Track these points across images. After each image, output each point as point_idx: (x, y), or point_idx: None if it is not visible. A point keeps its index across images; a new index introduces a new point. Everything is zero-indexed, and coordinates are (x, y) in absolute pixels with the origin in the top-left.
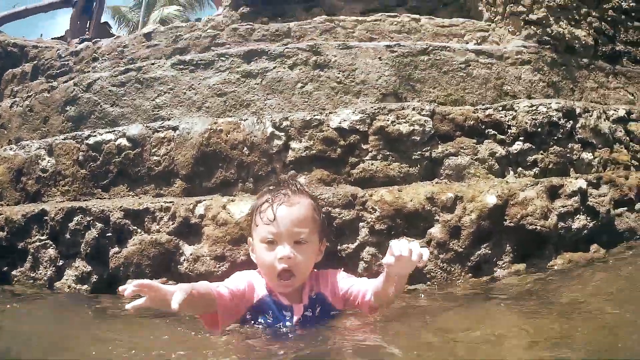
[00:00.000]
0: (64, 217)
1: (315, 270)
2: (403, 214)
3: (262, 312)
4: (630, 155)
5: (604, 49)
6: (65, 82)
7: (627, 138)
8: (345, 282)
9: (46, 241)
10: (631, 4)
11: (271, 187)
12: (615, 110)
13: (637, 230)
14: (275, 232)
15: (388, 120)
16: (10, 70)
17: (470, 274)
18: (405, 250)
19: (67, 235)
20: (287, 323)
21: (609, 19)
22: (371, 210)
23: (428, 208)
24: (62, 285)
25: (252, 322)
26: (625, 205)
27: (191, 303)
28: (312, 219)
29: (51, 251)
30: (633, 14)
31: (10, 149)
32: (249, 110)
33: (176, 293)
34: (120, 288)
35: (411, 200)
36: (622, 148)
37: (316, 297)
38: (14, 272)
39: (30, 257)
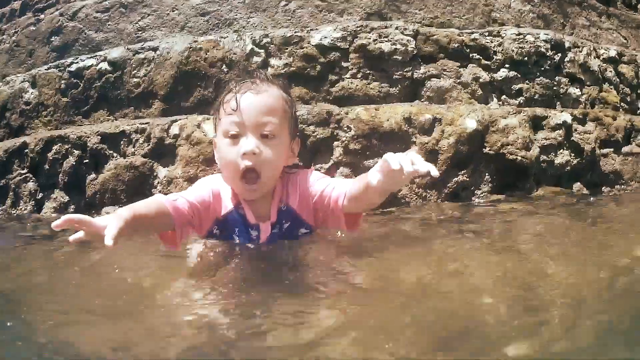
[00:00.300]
0: (44, 147)
1: (286, 173)
2: (379, 133)
3: (228, 229)
4: (619, 97)
5: None
6: (52, 13)
7: (617, 79)
8: (318, 184)
9: (26, 174)
10: None
11: (238, 78)
12: (606, 50)
13: (622, 173)
14: (239, 122)
15: (370, 39)
16: None
17: (446, 201)
18: (408, 164)
19: (46, 166)
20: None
21: None
22: (346, 128)
23: (405, 129)
24: (40, 218)
25: (220, 237)
26: (611, 146)
27: (137, 229)
28: (281, 110)
29: (31, 184)
30: None
31: None
32: (231, 29)
33: (108, 227)
34: (53, 224)
35: (388, 120)
36: (611, 88)
37: (285, 210)
38: None
39: (11, 193)
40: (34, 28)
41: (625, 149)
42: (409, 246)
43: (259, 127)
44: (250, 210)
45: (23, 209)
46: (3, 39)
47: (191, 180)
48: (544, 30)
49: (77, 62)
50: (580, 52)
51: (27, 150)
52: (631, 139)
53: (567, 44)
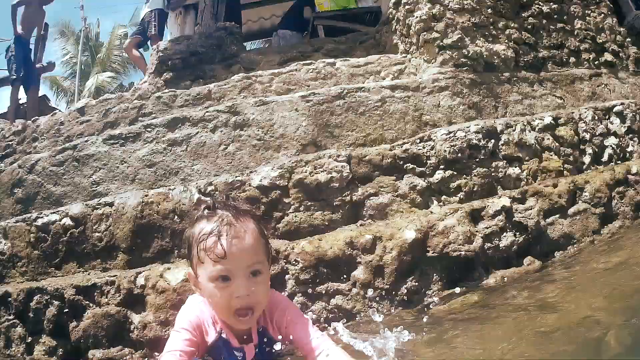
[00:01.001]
0: (25, 297)
1: None
2: (325, 261)
3: (216, 354)
4: (562, 160)
5: (526, 59)
6: (11, 163)
7: (557, 144)
8: (302, 332)
9: (13, 320)
10: (553, 6)
11: (205, 214)
12: (540, 119)
13: (573, 234)
14: (229, 268)
15: (306, 172)
16: None
17: (400, 307)
18: None
19: (31, 314)
20: None
21: (529, 26)
22: (294, 262)
23: (349, 252)
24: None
25: None
26: (557, 213)
27: None
28: (262, 245)
29: (19, 329)
30: (555, 16)
31: None
32: (178, 177)
33: None
34: None
35: (331, 248)
36: (552, 155)
37: (262, 331)
38: None
39: (2, 336)
40: None
41: (571, 210)
42: None
43: (248, 268)
44: (232, 335)
45: (16, 351)
46: None
47: (163, 324)
48: (475, 121)
49: (42, 217)
50: (514, 130)
51: (10, 299)
52: (577, 199)
53: (499, 128)
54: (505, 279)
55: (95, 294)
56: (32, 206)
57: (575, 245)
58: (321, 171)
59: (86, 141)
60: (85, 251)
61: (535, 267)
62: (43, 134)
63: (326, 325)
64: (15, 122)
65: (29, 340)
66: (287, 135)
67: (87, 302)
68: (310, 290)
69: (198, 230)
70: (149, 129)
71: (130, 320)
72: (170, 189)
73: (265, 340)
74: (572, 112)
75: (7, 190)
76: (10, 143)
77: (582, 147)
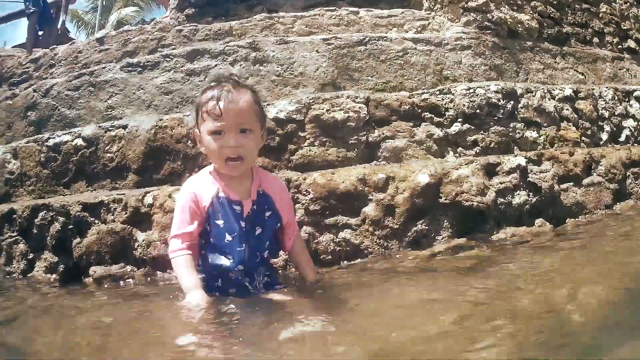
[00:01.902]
0: (30, 213)
1: (261, 168)
2: (336, 195)
3: (215, 216)
4: (580, 133)
5: (550, 32)
6: (26, 88)
7: (576, 116)
8: (288, 214)
9: (16, 237)
10: None
11: (212, 84)
12: (561, 90)
13: (585, 204)
14: (223, 125)
15: (323, 109)
16: None
17: (408, 249)
18: None
19: (35, 230)
20: (240, 223)
21: (555, 2)
22: (305, 192)
23: (361, 188)
24: (33, 276)
25: (209, 229)
26: (571, 181)
27: None
28: (254, 110)
29: (22, 246)
30: None
31: None
32: (193, 106)
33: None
34: None
35: (343, 182)
36: (570, 125)
37: (262, 194)
38: None
39: (3, 252)
40: (10, 102)
41: (585, 180)
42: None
43: (238, 125)
44: (230, 191)
45: (16, 267)
46: None
47: (167, 243)
48: (495, 81)
49: (54, 138)
50: (534, 96)
51: (15, 216)
52: (592, 171)
53: (519, 91)
54: (516, 237)
55: (102, 211)
56: (45, 128)
57: (587, 216)
58: (338, 110)
59: (104, 68)
60: (95, 171)
61: (546, 230)
62: (60, 61)
63: (331, 257)
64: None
65: (31, 257)
66: (306, 74)
67: (93, 219)
68: (319, 221)
69: (204, 96)
70: (168, 59)
71: (134, 238)
72: (185, 115)
73: (264, 204)
74: (593, 89)
75: (20, 113)
76: (27, 70)
77: (600, 123)
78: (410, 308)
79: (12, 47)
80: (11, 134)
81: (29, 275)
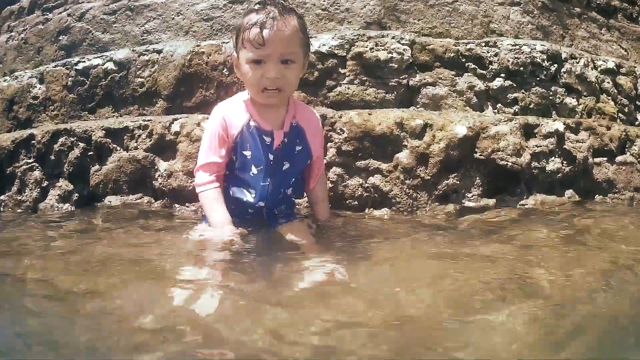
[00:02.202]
0: (50, 139)
1: (297, 99)
2: (371, 136)
3: (243, 145)
4: (617, 108)
5: (598, 2)
6: (60, 13)
7: (615, 90)
8: (318, 151)
9: (33, 164)
10: None
11: (257, 7)
12: (604, 61)
13: (616, 182)
14: (264, 54)
15: (367, 47)
16: (7, 7)
17: (437, 203)
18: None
19: (52, 157)
20: (268, 156)
21: None
22: (340, 131)
23: (397, 133)
24: (45, 206)
25: (235, 159)
26: (605, 156)
27: None
28: (299, 39)
29: (37, 173)
30: None
31: (4, 80)
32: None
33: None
34: None
35: (380, 124)
36: (609, 99)
37: (296, 127)
38: (1, 197)
39: (17, 180)
40: (42, 27)
41: (619, 158)
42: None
43: (281, 56)
44: (262, 120)
45: (28, 195)
46: (12, 36)
47: (190, 174)
48: (541, 41)
49: (84, 61)
50: (578, 63)
51: (34, 142)
52: (626, 149)
53: (564, 55)
54: (545, 204)
55: (125, 137)
56: (76, 53)
57: (616, 194)
58: (382, 49)
59: None
60: (124, 96)
61: (574, 202)
62: None
63: (357, 203)
64: None
65: (45, 185)
66: (352, 10)
67: (115, 145)
68: (350, 163)
69: (246, 20)
70: None
71: (156, 167)
72: (224, 42)
73: (294, 135)
74: (635, 67)
75: (51, 37)
76: None
77: (637, 102)
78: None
79: None
80: (40, 59)
81: (40, 204)
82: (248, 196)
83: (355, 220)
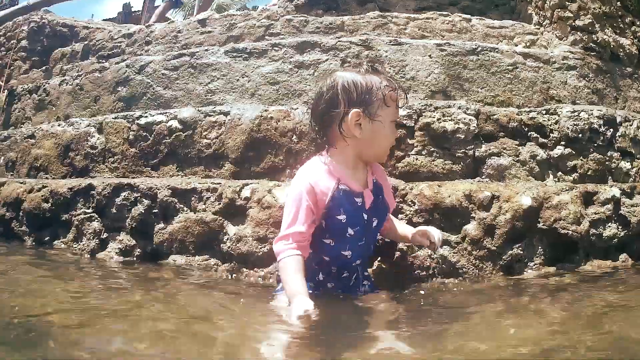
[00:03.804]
0: (112, 192)
1: None
2: (441, 208)
3: (336, 210)
4: None
5: None
6: (117, 63)
7: None
8: (393, 202)
9: (92, 214)
10: None
11: (369, 69)
12: None
13: None
14: (398, 115)
15: (434, 117)
16: (59, 49)
17: (501, 273)
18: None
19: (113, 210)
20: (363, 216)
21: None
22: (410, 203)
23: (465, 205)
24: (104, 256)
25: (327, 225)
26: None
27: None
28: None
29: (96, 224)
30: None
31: (59, 125)
32: (300, 99)
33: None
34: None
35: (449, 196)
36: None
37: (376, 183)
38: (55, 242)
39: (74, 228)
40: (99, 74)
41: None
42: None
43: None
44: (351, 182)
45: (86, 245)
46: (65, 80)
47: (260, 240)
48: (597, 106)
49: (146, 117)
50: (631, 125)
51: (93, 192)
52: None
53: (618, 119)
54: (601, 269)
55: (193, 198)
56: (136, 106)
57: None
58: (449, 120)
59: (206, 50)
60: (189, 156)
61: (627, 265)
62: (157, 39)
63: (425, 273)
64: (126, 25)
65: (104, 237)
66: (417, 79)
67: (182, 205)
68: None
69: (379, 79)
70: (276, 48)
71: (225, 231)
72: (292, 108)
73: (378, 192)
74: None
75: (109, 87)
76: (119, 44)
77: None
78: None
79: (102, 20)
80: (97, 108)
81: (98, 255)
82: (347, 254)
83: (428, 290)
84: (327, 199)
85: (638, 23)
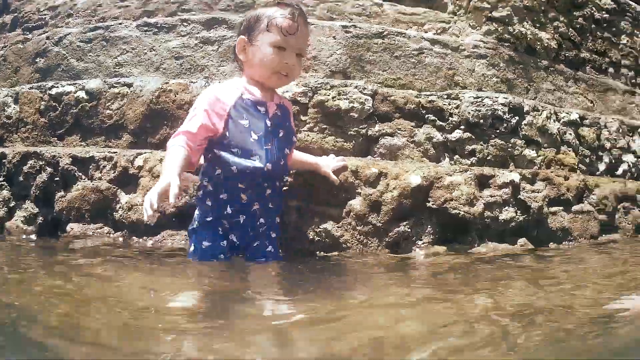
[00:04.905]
0: (20, 160)
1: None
2: (327, 184)
3: (239, 116)
4: (578, 159)
5: (567, 54)
6: (39, 35)
7: (577, 142)
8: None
9: (2, 183)
10: (604, 15)
11: (277, 3)
12: (567, 113)
13: (571, 231)
14: (288, 43)
15: (329, 96)
16: None
17: (387, 250)
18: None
19: (21, 178)
20: (266, 122)
21: (578, 26)
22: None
23: (351, 180)
24: (11, 225)
25: (230, 131)
26: (561, 205)
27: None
28: (309, 39)
29: (5, 192)
30: (604, 25)
31: None
32: (202, 74)
33: (172, 190)
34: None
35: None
36: (569, 151)
37: (283, 106)
38: None
39: None
40: (21, 46)
41: (575, 207)
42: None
43: (298, 49)
44: (256, 93)
45: None
46: None
47: None
48: (504, 94)
49: (57, 87)
50: (540, 115)
51: (4, 161)
52: (584, 199)
53: (526, 108)
54: (496, 252)
55: (91, 167)
56: (51, 77)
57: (571, 242)
58: (344, 99)
59: (120, 24)
60: (92, 126)
61: (526, 250)
62: (79, 12)
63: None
64: None
65: (12, 205)
66: (319, 58)
67: (80, 174)
68: (305, 208)
69: (271, 10)
70: (185, 24)
71: (118, 199)
72: (192, 82)
73: (283, 114)
74: (599, 118)
75: (29, 59)
76: (44, 17)
77: (599, 153)
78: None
79: None
80: (16, 79)
81: (6, 223)
82: (255, 162)
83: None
84: (231, 105)
85: (562, 19)
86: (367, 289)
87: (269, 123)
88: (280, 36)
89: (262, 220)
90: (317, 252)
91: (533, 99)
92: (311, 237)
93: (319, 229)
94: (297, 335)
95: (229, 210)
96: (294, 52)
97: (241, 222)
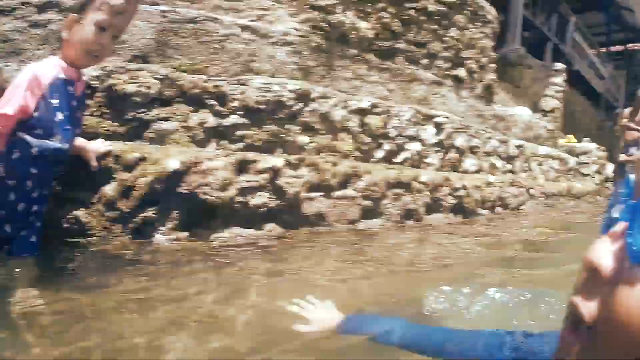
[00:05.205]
0: None
1: None
2: (85, 169)
3: (51, 95)
4: (355, 146)
5: (381, 45)
6: None
7: (360, 129)
8: None
9: None
10: (439, 8)
11: None
12: (358, 101)
13: (327, 216)
14: (112, 23)
15: (120, 80)
16: None
17: (130, 236)
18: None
19: None
20: (72, 102)
21: (406, 17)
22: None
23: (110, 165)
24: None
25: (39, 110)
26: (322, 191)
27: None
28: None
29: None
30: (436, 18)
31: None
32: (18, 58)
33: None
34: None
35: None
36: (348, 137)
37: (85, 87)
38: None
39: None
40: None
41: (337, 193)
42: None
43: (118, 31)
44: (70, 72)
45: None
46: None
47: None
48: (297, 81)
49: None
50: (326, 102)
51: None
52: (348, 185)
53: (314, 95)
54: (239, 238)
55: None
56: None
57: (324, 227)
58: (134, 83)
59: None
60: None
61: (273, 235)
62: None
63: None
64: None
65: None
66: (127, 42)
67: None
68: (61, 193)
69: None
70: (23, 6)
71: None
72: (6, 65)
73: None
74: (392, 107)
75: None
76: None
77: (381, 141)
78: None
79: None
80: None
81: None
82: (55, 143)
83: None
84: (47, 83)
85: (391, 10)
86: None
87: (74, 103)
88: (108, 15)
89: (35, 207)
90: (66, 240)
91: (327, 87)
92: (64, 224)
93: (70, 216)
94: None
95: (12, 197)
96: (113, 33)
97: (19, 209)
